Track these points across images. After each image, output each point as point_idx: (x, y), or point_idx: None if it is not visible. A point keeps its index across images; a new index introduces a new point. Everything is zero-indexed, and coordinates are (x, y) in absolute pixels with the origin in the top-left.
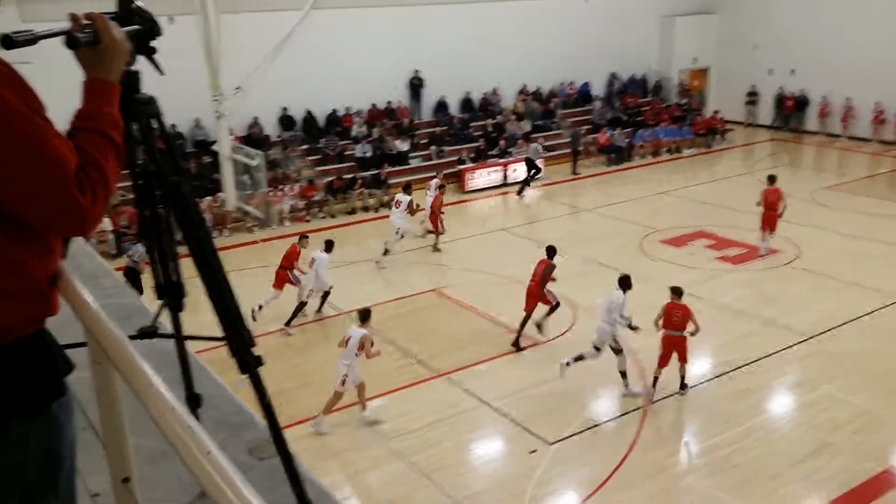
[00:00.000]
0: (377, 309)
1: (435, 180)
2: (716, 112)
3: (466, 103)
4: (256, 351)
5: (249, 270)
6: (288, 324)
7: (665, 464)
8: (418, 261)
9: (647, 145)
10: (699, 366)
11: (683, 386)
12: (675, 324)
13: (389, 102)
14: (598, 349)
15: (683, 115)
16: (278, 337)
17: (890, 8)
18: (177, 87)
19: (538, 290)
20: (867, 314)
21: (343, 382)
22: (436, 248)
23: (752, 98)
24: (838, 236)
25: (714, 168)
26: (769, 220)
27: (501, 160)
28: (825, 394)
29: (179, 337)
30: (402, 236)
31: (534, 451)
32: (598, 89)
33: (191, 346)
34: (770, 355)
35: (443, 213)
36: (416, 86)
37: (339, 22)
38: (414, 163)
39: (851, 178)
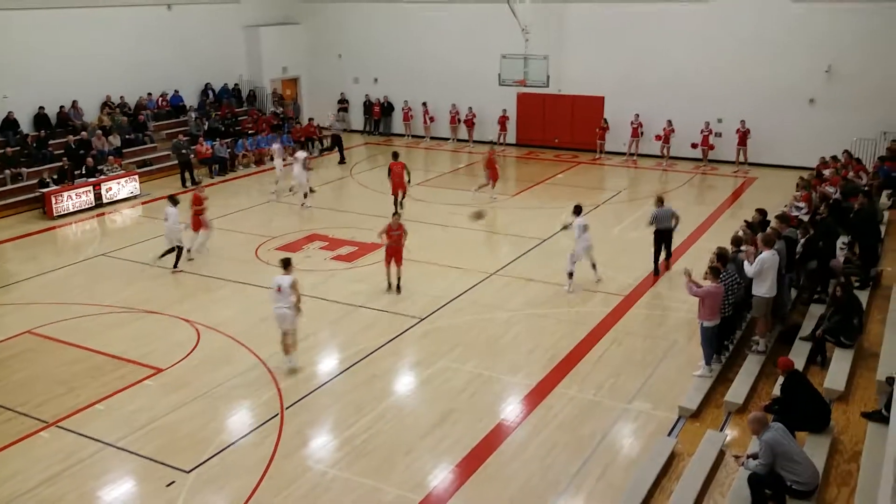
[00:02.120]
0: None
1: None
2: (311, 119)
3: (41, 119)
4: None
5: None
6: (175, 266)
7: (308, 463)
8: (5, 301)
9: (250, 154)
10: (328, 363)
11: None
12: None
13: None
14: (574, 262)
15: (281, 124)
16: None
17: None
18: None
19: (403, 182)
20: (466, 291)
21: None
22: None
23: (343, 105)
24: (433, 226)
25: (318, 173)
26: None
27: (91, 179)
28: (442, 367)
29: None
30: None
31: (171, 483)
32: (191, 100)
33: None
34: (391, 340)
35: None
36: None
37: None
38: None
39: (437, 174)
